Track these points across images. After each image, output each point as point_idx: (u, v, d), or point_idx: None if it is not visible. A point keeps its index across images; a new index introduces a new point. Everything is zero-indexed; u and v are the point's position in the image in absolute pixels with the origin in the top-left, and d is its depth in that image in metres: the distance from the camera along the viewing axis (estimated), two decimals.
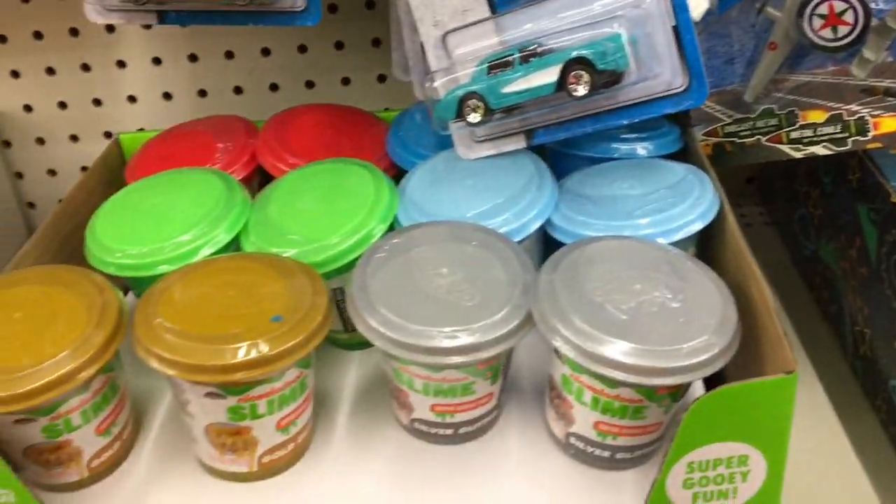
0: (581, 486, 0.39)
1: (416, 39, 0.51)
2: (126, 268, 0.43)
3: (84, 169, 0.79)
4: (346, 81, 0.75)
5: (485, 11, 0.43)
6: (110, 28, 0.72)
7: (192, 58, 0.74)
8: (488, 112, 0.42)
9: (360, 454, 0.42)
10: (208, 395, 0.37)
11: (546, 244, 0.45)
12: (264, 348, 0.36)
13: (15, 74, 0.74)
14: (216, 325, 0.37)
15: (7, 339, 0.37)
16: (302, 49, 0.73)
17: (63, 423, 0.38)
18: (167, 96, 0.76)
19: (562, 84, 0.40)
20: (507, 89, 0.41)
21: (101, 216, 0.46)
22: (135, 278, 0.43)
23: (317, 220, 0.44)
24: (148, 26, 0.72)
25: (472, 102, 0.42)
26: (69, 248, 0.48)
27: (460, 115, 0.43)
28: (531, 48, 0.40)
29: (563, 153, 0.47)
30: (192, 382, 0.37)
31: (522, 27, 0.41)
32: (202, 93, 0.75)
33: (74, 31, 0.72)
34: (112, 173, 0.56)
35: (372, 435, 0.43)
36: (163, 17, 0.49)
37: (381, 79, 0.74)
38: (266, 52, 0.73)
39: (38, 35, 0.73)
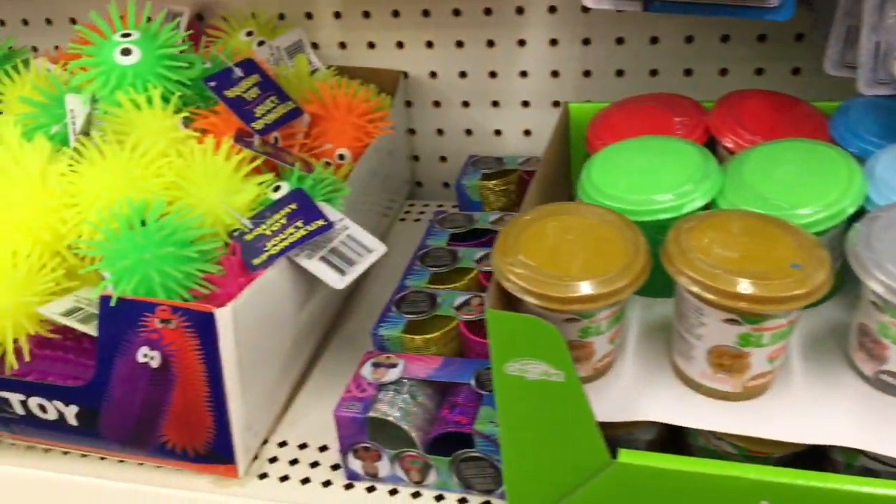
0: None
1: (872, 38, 0.57)
2: (622, 212, 0.52)
3: (468, 132, 0.91)
4: (723, 72, 0.81)
5: None
6: (519, 10, 0.83)
7: (586, 42, 0.83)
8: None
9: (819, 392, 0.48)
10: (727, 320, 0.45)
11: None
12: (790, 288, 0.43)
13: (430, 45, 0.87)
14: (741, 263, 0.45)
15: (567, 254, 0.47)
16: (688, 39, 0.80)
17: (594, 327, 0.48)
18: (555, 74, 0.85)
19: None
20: None
21: (594, 168, 0.55)
22: None
23: (794, 190, 0.51)
24: (553, 9, 0.82)
25: None
26: (551, 192, 0.58)
27: None
28: None
29: None
30: (717, 308, 0.45)
31: None
32: (587, 73, 0.84)
33: (488, 11, 0.84)
34: (560, 134, 0.65)
35: (827, 380, 0.49)
36: (647, 5, 0.58)
37: (759, 72, 0.80)
38: (654, 40, 0.81)
39: (456, 12, 0.85)
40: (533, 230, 0.49)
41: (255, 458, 0.61)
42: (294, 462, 0.61)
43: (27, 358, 0.57)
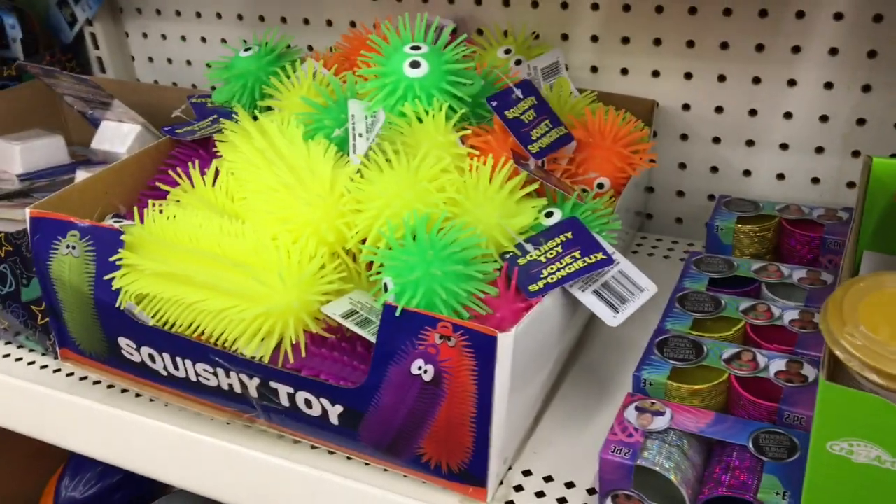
0: None
1: None
2: None
3: (713, 169, 0.87)
4: None
5: None
6: (796, 49, 0.78)
7: (866, 88, 0.77)
8: None
9: None
10: None
11: None
12: None
13: (688, 76, 0.84)
14: None
15: None
16: None
17: None
18: (823, 119, 0.80)
19: None
20: None
21: None
22: None
23: None
24: (834, 51, 0.77)
25: None
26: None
27: None
28: None
29: None
30: None
31: None
32: (861, 121, 0.79)
33: (760, 47, 0.80)
34: (863, 189, 0.61)
35: None
36: None
37: None
38: None
39: (724, 45, 0.81)
40: (871, 298, 0.45)
41: (500, 483, 0.60)
42: (540, 494, 0.59)
43: (303, 354, 0.59)
